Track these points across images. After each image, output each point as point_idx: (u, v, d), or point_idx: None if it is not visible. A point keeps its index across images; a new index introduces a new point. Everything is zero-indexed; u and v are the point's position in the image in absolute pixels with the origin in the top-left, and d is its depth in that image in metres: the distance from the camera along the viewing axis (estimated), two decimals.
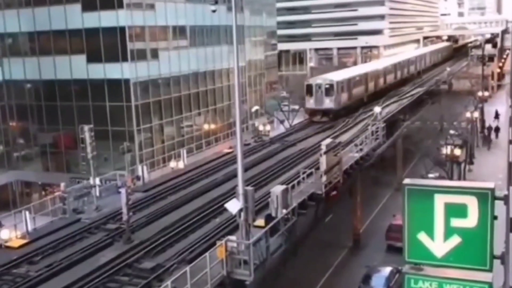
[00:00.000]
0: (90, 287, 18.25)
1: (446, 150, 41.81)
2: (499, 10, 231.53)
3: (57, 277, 19.21)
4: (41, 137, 50.19)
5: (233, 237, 18.95)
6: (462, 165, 45.51)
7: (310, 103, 46.43)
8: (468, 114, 53.05)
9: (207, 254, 17.54)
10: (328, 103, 45.48)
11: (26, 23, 48.03)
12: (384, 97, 55.51)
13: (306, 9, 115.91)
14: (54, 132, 49.44)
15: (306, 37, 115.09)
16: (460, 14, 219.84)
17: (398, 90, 62.31)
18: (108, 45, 44.86)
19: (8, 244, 22.44)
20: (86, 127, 27.50)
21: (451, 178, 40.78)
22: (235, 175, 21.16)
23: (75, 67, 46.21)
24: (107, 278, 18.81)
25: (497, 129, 59.40)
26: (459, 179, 42.42)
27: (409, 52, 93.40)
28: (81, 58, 45.83)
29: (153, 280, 18.40)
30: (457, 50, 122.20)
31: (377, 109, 44.18)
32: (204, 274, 17.03)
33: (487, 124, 61.90)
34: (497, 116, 66.09)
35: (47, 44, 47.68)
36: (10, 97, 50.40)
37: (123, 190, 21.74)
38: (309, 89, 46.61)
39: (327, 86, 45.58)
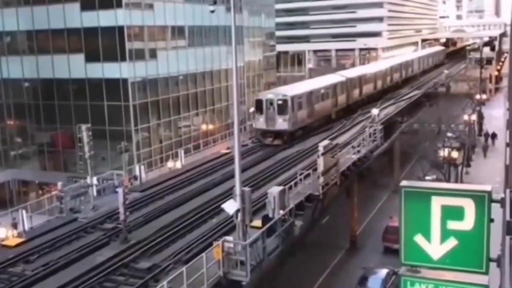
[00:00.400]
0: (86, 287, 18.22)
1: (443, 153, 41.94)
2: (497, 13, 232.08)
3: (53, 276, 19.18)
4: (39, 136, 50.14)
5: (230, 238, 18.95)
6: (459, 168, 45.62)
7: (260, 122, 39.03)
8: (465, 117, 53.20)
9: (203, 254, 17.52)
10: (281, 123, 38.08)
11: (25, 22, 47.97)
12: (381, 100, 55.19)
13: (305, 11, 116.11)
14: (51, 131, 49.39)
15: (304, 39, 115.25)
16: (459, 17, 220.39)
17: (395, 93, 62.13)
18: (106, 44, 44.84)
19: (4, 242, 22.42)
20: (83, 126, 27.46)
21: (448, 181, 40.88)
22: (232, 176, 21.15)
23: (74, 66, 46.18)
24: (104, 278, 18.78)
25: (493, 136, 59.15)
26: (456, 181, 42.52)
27: (394, 58, 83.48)
28: (80, 57, 45.80)
29: (150, 280, 18.38)
30: (452, 55, 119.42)
31: (374, 111, 44.23)
32: (201, 275, 17.02)
33: (484, 130, 61.79)
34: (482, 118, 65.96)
35: (45, 43, 47.64)
36: (8, 96, 50.36)
37: (120, 190, 21.73)
38: (259, 106, 39.32)
39: (279, 102, 38.24)
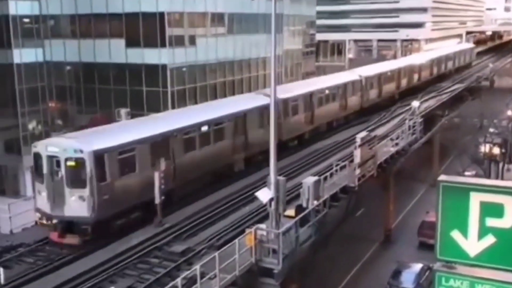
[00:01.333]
0: (121, 267, 18.55)
1: (484, 148, 40.98)
2: None
3: (88, 256, 19.57)
4: (79, 119, 51.10)
5: (262, 226, 18.98)
6: (500, 164, 44.50)
7: (42, 198, 20.70)
8: (509, 112, 51.76)
9: (236, 241, 17.61)
10: (75, 204, 20.05)
11: (68, 6, 48.83)
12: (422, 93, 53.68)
13: (346, 0, 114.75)
14: (91, 114, 50.32)
15: (345, 28, 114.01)
16: (507, 9, 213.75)
17: (435, 86, 60.57)
18: (147, 30, 45.24)
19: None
20: (123, 111, 27.89)
21: (488, 177, 39.95)
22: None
23: (114, 51, 46.80)
24: (138, 259, 19.09)
25: None
26: (496, 178, 41.53)
27: (388, 62, 59.58)
28: (120, 43, 46.38)
29: (183, 264, 18.60)
30: (486, 53, 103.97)
31: (415, 103, 43.40)
32: (233, 261, 17.13)
33: None
34: None
35: (87, 27, 48.40)
36: (50, 78, 51.44)
37: (156, 174, 21.93)
38: (38, 167, 20.80)
39: (70, 163, 20.04)
